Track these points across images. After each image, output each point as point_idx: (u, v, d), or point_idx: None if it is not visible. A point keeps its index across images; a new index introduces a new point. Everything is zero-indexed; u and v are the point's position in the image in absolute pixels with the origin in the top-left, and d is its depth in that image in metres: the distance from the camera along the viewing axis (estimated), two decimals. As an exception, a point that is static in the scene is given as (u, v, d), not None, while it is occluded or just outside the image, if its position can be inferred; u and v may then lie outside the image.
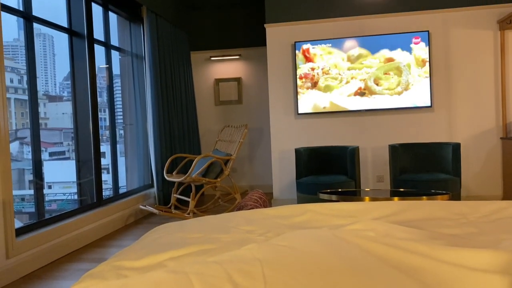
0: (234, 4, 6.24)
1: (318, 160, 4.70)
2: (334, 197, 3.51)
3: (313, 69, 4.93)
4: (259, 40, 6.24)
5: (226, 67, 6.40)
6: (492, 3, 4.70)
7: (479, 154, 4.81)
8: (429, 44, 4.75)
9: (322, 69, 4.91)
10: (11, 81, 4.24)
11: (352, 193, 3.80)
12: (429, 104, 4.75)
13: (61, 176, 5.03)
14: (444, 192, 3.41)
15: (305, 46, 4.92)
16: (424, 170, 4.45)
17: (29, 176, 4.15)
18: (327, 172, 4.64)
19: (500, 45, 4.71)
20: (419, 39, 4.74)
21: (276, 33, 5.10)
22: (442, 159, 4.43)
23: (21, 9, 3.29)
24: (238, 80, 6.35)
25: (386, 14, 4.86)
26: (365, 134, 4.99)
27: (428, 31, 4.74)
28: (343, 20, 4.95)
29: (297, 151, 4.54)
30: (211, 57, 6.36)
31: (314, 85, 4.94)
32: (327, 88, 4.92)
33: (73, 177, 4.22)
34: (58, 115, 5.07)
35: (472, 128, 4.81)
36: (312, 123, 5.07)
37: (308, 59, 4.93)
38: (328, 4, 4.98)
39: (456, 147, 4.26)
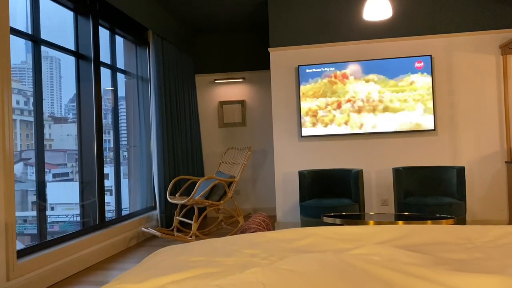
0: (238, 28, 6.35)
1: (322, 183, 4.68)
2: (338, 220, 3.48)
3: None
4: (263, 64, 6.33)
5: (230, 90, 6.46)
6: (494, 28, 4.75)
7: (484, 178, 4.78)
8: (432, 68, 4.78)
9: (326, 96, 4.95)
10: (17, 102, 4.29)
11: (356, 217, 3.76)
12: (433, 128, 4.75)
13: (64, 198, 5.02)
14: (449, 216, 3.37)
15: (308, 70, 4.97)
16: (429, 193, 4.42)
17: (32, 198, 4.14)
18: (331, 195, 4.61)
19: (502, 70, 4.74)
20: (422, 63, 4.78)
21: (280, 57, 5.16)
22: (447, 182, 4.40)
23: (29, 32, 3.35)
24: (242, 102, 6.39)
25: (388, 38, 4.92)
26: (369, 157, 4.98)
27: (430, 55, 4.78)
28: (346, 45, 5.01)
29: (301, 174, 4.52)
30: (215, 80, 6.43)
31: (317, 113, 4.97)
32: (330, 115, 4.94)
33: (76, 199, 4.22)
34: (63, 136, 5.11)
35: (476, 152, 4.80)
36: (316, 146, 5.07)
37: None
38: (331, 29, 5.05)
39: (461, 170, 4.24)
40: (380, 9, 3.45)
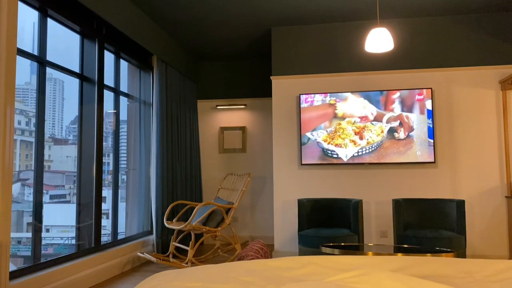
0: (241, 56, 6.44)
1: (321, 212, 4.64)
2: (336, 251, 3.43)
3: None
4: (265, 91, 6.39)
5: (232, 116, 6.49)
6: (493, 64, 4.82)
7: (484, 212, 4.75)
8: (432, 101, 4.82)
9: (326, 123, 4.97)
10: (19, 123, 4.30)
11: (355, 248, 3.71)
12: (433, 160, 4.75)
13: (60, 220, 4.97)
14: (449, 250, 3.33)
15: (309, 99, 5.01)
16: (428, 226, 4.38)
17: (27, 219, 4.10)
18: (330, 225, 4.57)
19: (502, 105, 4.78)
20: (422, 96, 4.83)
21: (282, 85, 5.21)
22: (447, 216, 4.37)
23: (35, 53, 3.40)
24: (242, 129, 6.42)
25: (390, 70, 4.99)
26: (369, 187, 4.96)
27: (431, 88, 4.83)
28: (348, 75, 5.07)
29: (300, 202, 4.49)
30: (217, 105, 6.47)
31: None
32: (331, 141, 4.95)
33: (72, 221, 4.17)
34: (62, 158, 5.10)
35: (476, 186, 4.78)
36: (316, 174, 5.05)
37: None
38: (333, 59, 5.12)
39: (461, 204, 4.22)
40: (382, 41, 3.51)
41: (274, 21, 5.06)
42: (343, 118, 4.95)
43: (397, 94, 4.86)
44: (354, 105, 4.93)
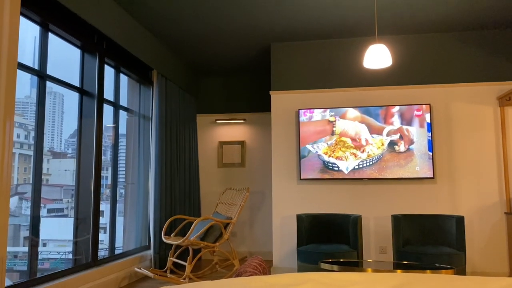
0: (241, 71, 6.48)
1: (320, 228, 4.61)
2: (336, 267, 3.40)
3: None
4: (264, 106, 6.41)
5: (231, 130, 6.50)
6: (491, 80, 4.85)
7: (484, 229, 4.73)
8: (431, 116, 4.84)
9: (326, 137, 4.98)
10: (18, 136, 4.30)
11: (354, 264, 3.68)
12: (432, 176, 4.75)
13: (57, 234, 4.94)
14: (448, 267, 3.30)
15: (308, 114, 5.03)
16: (428, 242, 4.35)
17: (24, 233, 4.07)
18: (329, 240, 4.54)
19: (500, 121, 4.80)
20: (421, 111, 4.84)
21: (281, 100, 5.23)
22: (446, 232, 4.34)
23: (36, 67, 3.41)
24: (241, 143, 6.42)
25: (388, 86, 5.02)
26: (368, 203, 4.94)
27: (429, 104, 4.85)
28: (347, 91, 5.10)
29: (299, 218, 4.47)
30: (216, 120, 6.48)
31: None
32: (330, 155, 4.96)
33: (70, 235, 4.14)
34: (61, 171, 5.08)
35: (476, 201, 4.77)
36: (315, 189, 5.04)
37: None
38: (332, 75, 5.16)
39: (460, 220, 4.20)
40: (380, 58, 3.54)
41: (274, 37, 5.10)
42: (341, 136, 4.95)
43: (397, 108, 4.88)
44: (351, 126, 4.95)
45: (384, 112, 4.90)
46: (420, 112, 4.84)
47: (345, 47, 5.17)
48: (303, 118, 5.05)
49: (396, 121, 4.87)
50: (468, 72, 4.91)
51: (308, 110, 5.05)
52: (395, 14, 4.47)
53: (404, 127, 4.84)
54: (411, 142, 4.81)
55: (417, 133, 4.82)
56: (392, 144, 4.85)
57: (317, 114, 5.02)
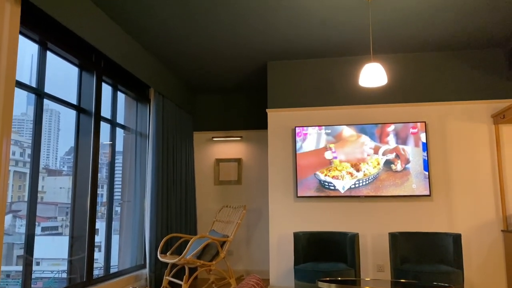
0: (237, 89, 6.52)
1: (317, 246, 4.59)
2: (333, 286, 3.38)
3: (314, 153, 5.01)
4: (261, 123, 6.44)
5: (227, 148, 6.50)
6: (485, 98, 4.91)
7: (481, 246, 4.72)
8: (426, 134, 4.87)
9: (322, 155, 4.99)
10: (13, 153, 4.28)
11: (352, 283, 3.66)
12: (428, 193, 4.76)
13: (52, 253, 4.88)
14: (447, 285, 3.28)
15: (304, 131, 5.05)
16: (426, 260, 4.34)
17: (18, 251, 4.02)
18: (327, 259, 4.51)
19: (495, 139, 4.84)
20: (416, 129, 4.88)
21: (277, 118, 5.26)
22: (443, 250, 4.33)
23: (33, 85, 3.42)
24: (238, 160, 6.42)
25: (384, 104, 5.06)
26: (365, 220, 4.93)
27: (425, 122, 4.89)
28: (343, 109, 5.13)
29: (296, 236, 4.45)
30: (213, 137, 6.49)
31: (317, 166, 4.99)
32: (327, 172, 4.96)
33: (64, 254, 4.09)
34: (56, 189, 5.05)
35: (473, 219, 4.77)
36: (312, 207, 5.03)
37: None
38: (328, 93, 5.20)
39: (457, 238, 4.19)
40: (376, 76, 3.58)
41: (270, 55, 5.15)
42: (338, 150, 4.97)
43: (392, 127, 4.91)
44: (349, 138, 4.97)
45: (379, 131, 4.93)
46: (415, 130, 4.88)
47: (341, 65, 5.23)
48: (298, 144, 5.06)
49: (391, 140, 4.89)
50: (462, 90, 4.97)
51: (302, 129, 5.06)
52: (390, 34, 4.53)
53: (400, 146, 4.87)
54: (407, 161, 4.83)
55: (413, 152, 4.85)
56: (388, 163, 4.87)
57: (311, 139, 5.03)
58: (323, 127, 5.04)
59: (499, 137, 4.82)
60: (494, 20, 4.20)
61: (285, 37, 4.60)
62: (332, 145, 4.95)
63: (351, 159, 4.92)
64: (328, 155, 4.96)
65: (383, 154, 4.88)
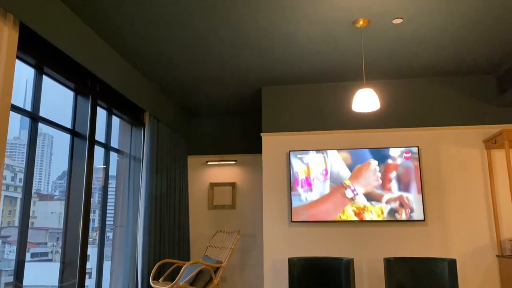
0: (232, 113, 6.55)
1: (312, 272, 4.53)
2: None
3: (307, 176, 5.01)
4: (255, 147, 6.45)
5: (222, 172, 6.48)
6: (477, 123, 4.97)
7: (476, 272, 4.69)
8: (419, 159, 4.90)
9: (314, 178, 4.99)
10: (4, 178, 4.23)
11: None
12: (422, 218, 4.75)
13: (41, 279, 4.77)
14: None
15: (299, 156, 5.06)
16: (421, 286, 4.29)
17: (6, 278, 3.93)
18: (322, 284, 4.45)
19: (487, 164, 4.88)
20: (409, 154, 4.91)
21: (272, 142, 5.27)
22: (439, 275, 4.30)
23: (28, 108, 3.42)
24: (232, 185, 6.39)
25: (377, 129, 5.10)
26: (360, 245, 4.89)
27: (418, 146, 4.93)
28: (337, 133, 5.16)
29: (291, 261, 4.40)
30: (207, 161, 6.48)
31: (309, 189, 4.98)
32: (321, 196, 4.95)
33: (54, 281, 4.00)
34: (47, 214, 4.98)
35: (467, 244, 4.76)
36: (307, 232, 4.99)
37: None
38: (322, 117, 5.24)
39: (452, 263, 4.17)
40: (368, 101, 3.62)
41: (264, 80, 5.21)
42: (333, 175, 4.97)
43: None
44: (344, 163, 4.98)
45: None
46: (408, 155, 4.91)
47: (335, 90, 5.29)
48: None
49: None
50: (454, 116, 5.03)
51: (298, 153, 5.06)
52: (382, 60, 4.61)
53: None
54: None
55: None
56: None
57: (308, 156, 5.04)
58: (318, 151, 5.04)
59: (491, 162, 4.87)
60: (484, 47, 4.30)
61: (279, 63, 4.66)
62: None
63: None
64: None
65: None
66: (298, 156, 5.03)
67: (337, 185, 4.92)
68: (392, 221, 4.80)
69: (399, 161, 4.89)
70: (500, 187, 4.81)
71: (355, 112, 5.19)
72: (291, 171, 5.04)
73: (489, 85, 5.05)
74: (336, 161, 4.97)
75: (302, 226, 5.00)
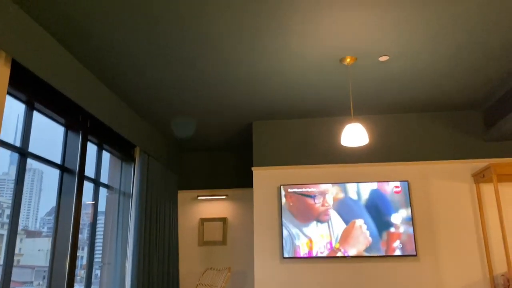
0: (223, 147, 6.57)
1: (304, 310, 4.43)
2: None
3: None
4: (246, 182, 6.43)
5: (212, 207, 6.43)
6: (465, 158, 5.03)
7: (470, 308, 4.63)
8: (409, 193, 4.92)
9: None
10: (-8, 214, 4.16)
11: None
12: (414, 253, 4.72)
13: (25, 320, 4.60)
14: None
15: (290, 190, 5.05)
16: (415, 324, 4.21)
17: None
18: (313, 323, 4.34)
19: (477, 198, 4.90)
20: (399, 188, 4.93)
21: (263, 176, 5.27)
22: (433, 312, 4.22)
23: (17, 144, 3.41)
24: (223, 220, 6.33)
25: (367, 163, 5.13)
26: (352, 282, 4.82)
27: (407, 181, 4.96)
28: (328, 167, 5.19)
29: (282, 299, 4.30)
30: (198, 196, 6.44)
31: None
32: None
33: (38, 322, 3.87)
34: (34, 251, 4.86)
35: (460, 280, 4.71)
36: (298, 268, 4.92)
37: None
38: (312, 152, 5.27)
39: (446, 299, 4.11)
40: (357, 136, 3.67)
41: (255, 115, 5.27)
42: (324, 212, 4.96)
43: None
44: (334, 198, 4.98)
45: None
46: (398, 189, 4.92)
47: (324, 125, 5.35)
48: (286, 194, 5.05)
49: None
50: (443, 150, 5.09)
51: (290, 187, 5.06)
52: (369, 96, 4.70)
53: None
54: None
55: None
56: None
57: (299, 190, 5.03)
58: (309, 185, 5.04)
59: (481, 196, 4.89)
60: (469, 83, 4.41)
61: (270, 98, 4.73)
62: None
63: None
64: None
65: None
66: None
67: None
68: (384, 256, 4.76)
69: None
70: (490, 221, 4.82)
71: (345, 146, 5.23)
72: (281, 207, 5.02)
73: (476, 120, 5.15)
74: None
75: (295, 262, 4.93)
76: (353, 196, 4.93)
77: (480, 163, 5.00)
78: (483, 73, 4.16)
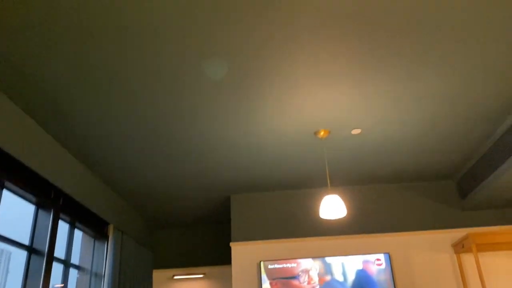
0: (200, 222, 6.43)
1: None
2: None
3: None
4: (224, 259, 6.24)
5: (189, 287, 6.15)
6: (444, 228, 5.02)
7: None
8: (391, 265, 4.83)
9: (288, 290, 4.78)
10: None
11: None
12: (401, 329, 4.53)
13: None
14: None
15: (270, 266, 4.90)
16: None
17: None
18: None
19: (458, 268, 4.83)
20: (381, 261, 4.84)
21: (242, 252, 5.12)
22: None
23: (-16, 226, 3.26)
24: (201, 301, 6.03)
25: (347, 235, 5.07)
26: None
27: (388, 253, 4.88)
28: (307, 241, 5.09)
29: None
30: (174, 275, 6.17)
31: (281, 307, 4.72)
32: (294, 311, 4.69)
33: None
34: None
35: None
36: None
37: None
38: (291, 225, 5.20)
39: None
40: (335, 208, 3.65)
41: (233, 189, 5.24)
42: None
43: None
44: (316, 272, 4.84)
45: (344, 263, 4.81)
46: (380, 262, 4.83)
47: (302, 197, 5.34)
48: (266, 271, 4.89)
49: None
50: (421, 221, 5.09)
51: (270, 263, 4.92)
52: (345, 168, 4.77)
53: None
54: None
55: None
56: None
57: (279, 267, 4.88)
58: (289, 260, 4.91)
59: (462, 266, 4.83)
60: (441, 153, 4.54)
61: (247, 171, 4.74)
62: None
63: None
64: None
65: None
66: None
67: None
68: (369, 334, 4.55)
69: None
70: (474, 293, 4.72)
71: (324, 219, 5.19)
72: (261, 284, 4.83)
73: (452, 189, 5.22)
74: None
75: None
76: (339, 278, 4.79)
77: (459, 233, 5.00)
78: (454, 142, 4.30)
